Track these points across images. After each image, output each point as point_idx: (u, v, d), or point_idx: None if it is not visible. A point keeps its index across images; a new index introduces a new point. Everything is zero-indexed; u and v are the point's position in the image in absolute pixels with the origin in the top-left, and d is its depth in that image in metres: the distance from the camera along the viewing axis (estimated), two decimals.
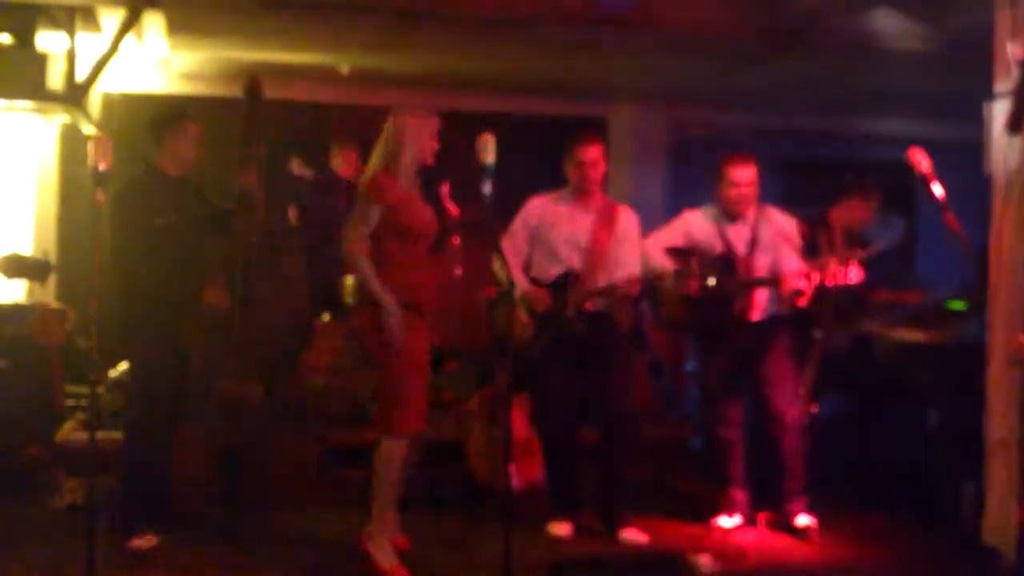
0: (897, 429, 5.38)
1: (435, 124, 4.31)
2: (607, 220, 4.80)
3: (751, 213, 4.90)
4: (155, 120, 4.68)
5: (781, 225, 4.93)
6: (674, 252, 4.91)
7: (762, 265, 4.85)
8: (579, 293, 4.72)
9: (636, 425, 4.87)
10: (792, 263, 4.82)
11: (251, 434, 4.62)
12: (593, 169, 4.77)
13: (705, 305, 4.83)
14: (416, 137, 4.23)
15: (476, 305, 5.24)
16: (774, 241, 4.88)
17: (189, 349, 4.62)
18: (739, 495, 5.01)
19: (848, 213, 5.43)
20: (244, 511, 4.57)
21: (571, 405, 4.84)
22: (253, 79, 4.71)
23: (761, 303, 4.87)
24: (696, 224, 4.98)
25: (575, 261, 4.76)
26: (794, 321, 5.00)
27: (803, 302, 4.74)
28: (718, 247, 4.87)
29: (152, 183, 4.57)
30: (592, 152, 4.77)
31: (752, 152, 4.96)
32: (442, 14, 5.86)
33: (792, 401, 4.88)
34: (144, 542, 4.38)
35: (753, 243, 4.87)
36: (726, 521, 4.97)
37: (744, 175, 4.84)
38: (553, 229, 4.80)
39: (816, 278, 4.64)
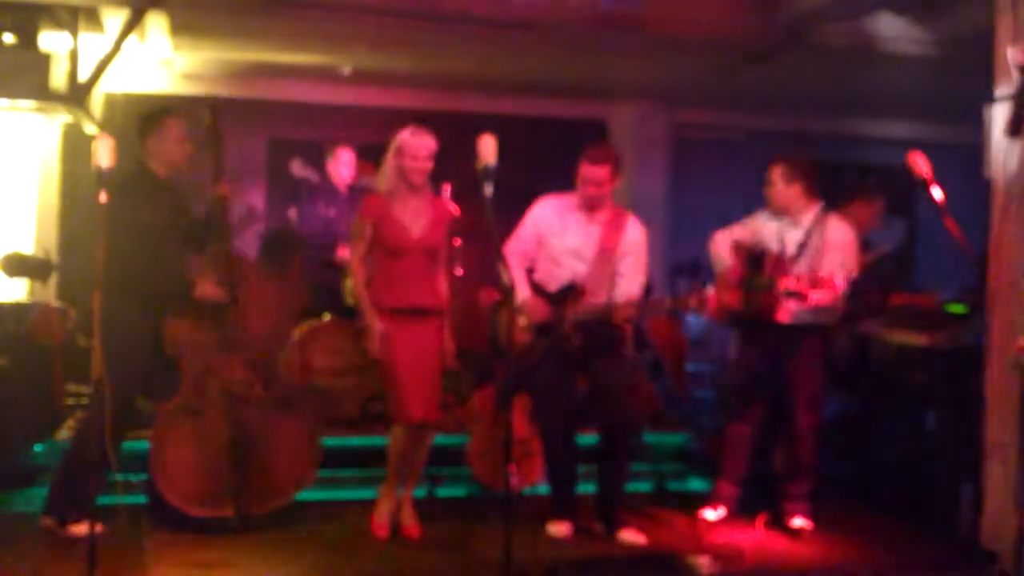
0: (896, 431, 5.39)
1: (426, 145, 4.45)
2: (613, 233, 4.76)
3: (806, 217, 4.92)
4: (137, 121, 4.69)
5: (834, 233, 4.90)
6: (737, 245, 4.99)
7: (803, 269, 4.82)
8: (578, 308, 4.69)
9: (634, 426, 4.88)
10: (829, 269, 4.77)
11: (255, 428, 4.61)
12: (598, 189, 4.70)
13: (745, 300, 4.88)
14: (401, 156, 4.46)
15: (477, 305, 5.25)
16: (823, 248, 4.85)
17: (171, 348, 4.59)
18: (728, 490, 5.06)
19: (852, 216, 5.44)
20: (250, 504, 4.57)
21: (569, 406, 4.84)
22: (211, 98, 4.85)
23: (790, 307, 4.83)
24: (763, 222, 5.05)
25: (579, 273, 4.74)
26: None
27: (795, 304, 4.76)
28: (775, 247, 4.92)
29: (144, 182, 4.57)
30: (599, 172, 4.68)
31: (780, 153, 5.03)
32: (444, 15, 5.88)
33: (810, 409, 4.90)
34: (81, 529, 4.29)
35: (802, 247, 4.87)
36: (711, 513, 5.02)
37: (772, 173, 4.95)
38: (559, 239, 4.78)
39: (805, 281, 4.64)
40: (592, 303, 4.68)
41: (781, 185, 4.92)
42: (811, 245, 4.86)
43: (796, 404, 4.89)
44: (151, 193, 4.55)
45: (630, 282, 4.74)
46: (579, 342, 4.67)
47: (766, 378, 4.96)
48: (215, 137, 4.77)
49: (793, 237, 4.91)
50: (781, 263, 4.84)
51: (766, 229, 5.01)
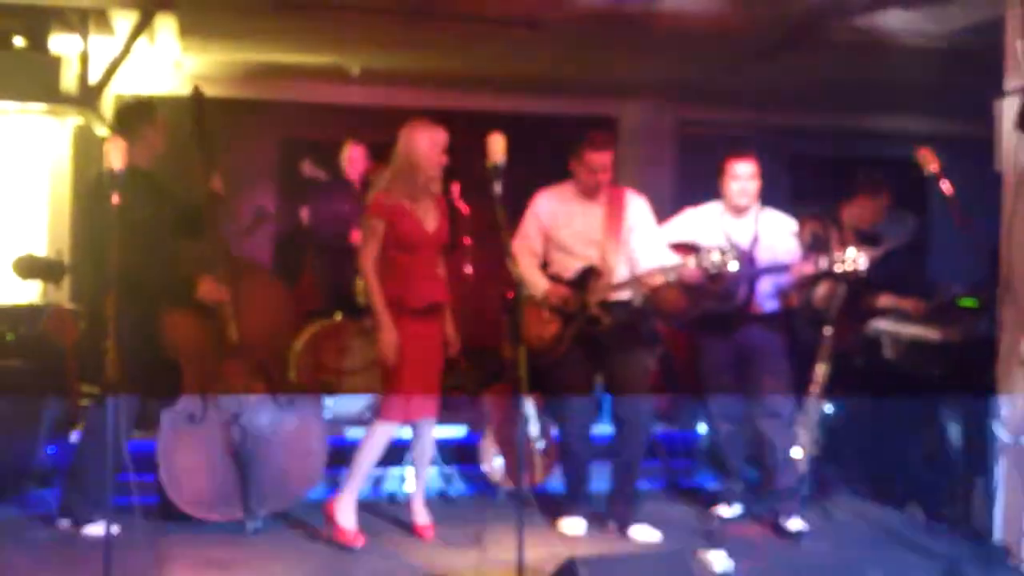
0: (908, 426, 5.37)
1: (440, 138, 4.44)
2: (617, 210, 4.78)
3: (753, 210, 4.94)
4: (128, 113, 4.70)
5: (781, 222, 4.97)
6: (677, 247, 4.91)
7: (764, 259, 4.87)
8: (601, 287, 4.70)
9: (649, 422, 4.89)
10: (793, 256, 4.84)
11: (260, 431, 4.62)
12: (603, 175, 4.73)
13: (708, 297, 4.85)
14: (415, 151, 4.42)
15: (488, 303, 5.25)
16: (775, 236, 4.90)
17: (172, 352, 4.60)
18: (735, 485, 5.06)
19: (859, 210, 5.43)
20: (259, 506, 4.58)
21: (586, 402, 4.84)
22: (195, 88, 4.79)
23: (761, 297, 4.88)
24: (699, 220, 5.02)
25: (592, 256, 4.74)
26: (805, 318, 5.01)
27: (796, 296, 4.80)
28: (720, 241, 4.87)
29: (127, 177, 4.54)
30: (604, 159, 4.71)
31: (755, 147, 5.01)
32: (452, 13, 5.88)
33: (785, 398, 4.88)
34: (96, 530, 4.35)
35: (755, 239, 4.88)
36: (726, 510, 5.01)
37: (745, 169, 4.89)
38: (565, 228, 4.79)
39: (823, 263, 4.62)
40: (612, 280, 4.68)
41: (756, 181, 4.91)
42: (763, 235, 4.88)
43: (771, 395, 4.85)
44: (135, 188, 4.48)
45: (648, 253, 4.73)
46: (609, 321, 4.67)
47: (736, 371, 4.95)
48: (204, 130, 4.71)
49: (741, 231, 4.91)
50: (750, 256, 4.84)
51: (705, 227, 4.96)
